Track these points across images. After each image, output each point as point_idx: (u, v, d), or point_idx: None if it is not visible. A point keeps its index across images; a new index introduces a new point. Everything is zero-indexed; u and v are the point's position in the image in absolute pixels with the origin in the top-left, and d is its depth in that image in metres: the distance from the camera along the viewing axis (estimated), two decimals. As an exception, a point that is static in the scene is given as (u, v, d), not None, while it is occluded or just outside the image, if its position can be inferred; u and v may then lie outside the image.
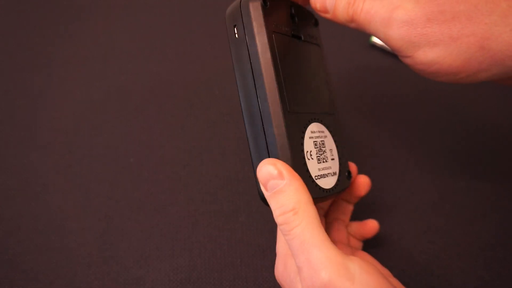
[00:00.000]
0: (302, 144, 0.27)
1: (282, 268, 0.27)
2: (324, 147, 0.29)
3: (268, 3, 0.27)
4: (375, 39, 0.46)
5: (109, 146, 0.42)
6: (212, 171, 0.40)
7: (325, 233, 0.24)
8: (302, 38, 0.30)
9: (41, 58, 0.47)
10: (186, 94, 0.45)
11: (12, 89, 0.45)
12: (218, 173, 0.40)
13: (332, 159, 0.29)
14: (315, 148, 0.28)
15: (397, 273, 0.35)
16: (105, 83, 0.46)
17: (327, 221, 0.34)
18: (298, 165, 0.26)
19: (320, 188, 0.28)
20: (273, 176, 0.25)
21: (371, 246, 0.36)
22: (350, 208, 0.35)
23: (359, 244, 0.35)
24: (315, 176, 0.27)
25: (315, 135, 0.29)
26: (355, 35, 0.48)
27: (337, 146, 0.30)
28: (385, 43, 0.27)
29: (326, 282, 0.23)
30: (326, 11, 0.29)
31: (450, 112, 0.43)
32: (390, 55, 0.47)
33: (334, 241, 0.33)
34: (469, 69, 0.26)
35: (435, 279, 0.35)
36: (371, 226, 0.34)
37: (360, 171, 0.40)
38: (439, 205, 0.38)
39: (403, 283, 0.35)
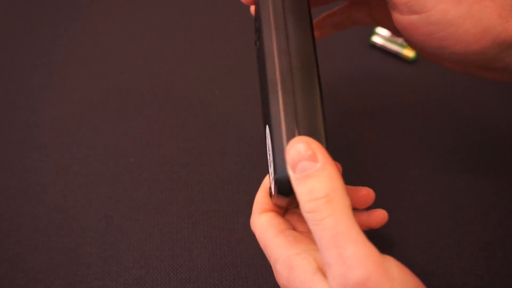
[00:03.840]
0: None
1: (287, 273, 0.25)
2: None
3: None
4: (375, 39, 0.46)
5: (109, 146, 0.42)
6: (212, 171, 0.40)
7: (359, 228, 0.22)
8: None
9: (41, 58, 0.47)
10: (186, 94, 0.45)
11: (12, 89, 0.45)
12: (218, 173, 0.40)
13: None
14: None
15: (397, 273, 0.35)
16: (105, 83, 0.46)
17: None
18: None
19: None
20: (305, 157, 0.22)
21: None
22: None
23: None
24: None
25: None
26: (355, 35, 0.48)
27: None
28: None
29: (363, 280, 0.20)
30: None
31: (450, 112, 0.43)
32: (390, 55, 0.47)
33: None
34: (485, 41, 0.24)
35: (435, 279, 0.35)
36: (379, 215, 0.31)
37: (360, 172, 0.40)
38: (439, 205, 0.38)
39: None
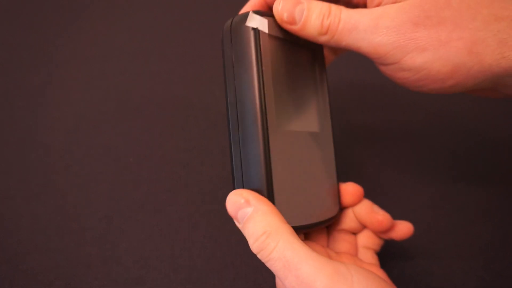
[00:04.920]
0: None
1: None
2: None
3: None
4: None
5: (109, 146, 0.42)
6: (212, 171, 0.40)
7: (306, 247, 0.23)
8: None
9: (41, 58, 0.47)
10: (186, 94, 0.45)
11: (12, 89, 0.45)
12: (218, 173, 0.40)
13: None
14: None
15: (397, 273, 0.35)
16: (105, 83, 0.46)
17: (332, 231, 0.32)
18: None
19: None
20: (241, 206, 0.24)
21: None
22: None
23: (372, 256, 0.32)
24: None
25: None
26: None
27: None
28: (367, 53, 0.26)
29: None
30: (293, 23, 0.27)
31: (450, 112, 0.43)
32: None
33: (339, 252, 0.31)
34: (458, 76, 0.25)
35: (435, 279, 0.35)
36: (403, 228, 0.31)
37: (361, 172, 0.40)
38: (439, 205, 0.38)
39: (403, 283, 0.35)
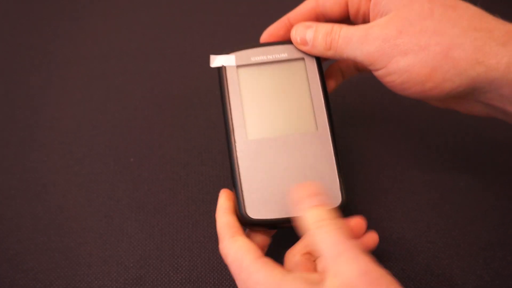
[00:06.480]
0: None
1: None
2: None
3: None
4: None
5: (109, 146, 0.42)
6: (212, 171, 0.40)
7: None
8: None
9: (41, 58, 0.47)
10: (186, 94, 0.45)
11: (12, 89, 0.45)
12: (218, 173, 0.40)
13: None
14: None
15: (397, 273, 0.35)
16: (105, 83, 0.46)
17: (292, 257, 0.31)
18: None
19: None
20: (321, 192, 0.27)
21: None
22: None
23: None
24: None
25: None
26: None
27: None
28: (362, 61, 0.30)
29: (364, 270, 0.24)
30: (305, 43, 0.32)
31: (449, 112, 0.43)
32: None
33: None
34: (436, 78, 0.28)
35: (435, 279, 0.35)
36: (369, 240, 0.31)
37: (360, 172, 0.40)
38: (439, 205, 0.38)
39: (402, 283, 0.34)
